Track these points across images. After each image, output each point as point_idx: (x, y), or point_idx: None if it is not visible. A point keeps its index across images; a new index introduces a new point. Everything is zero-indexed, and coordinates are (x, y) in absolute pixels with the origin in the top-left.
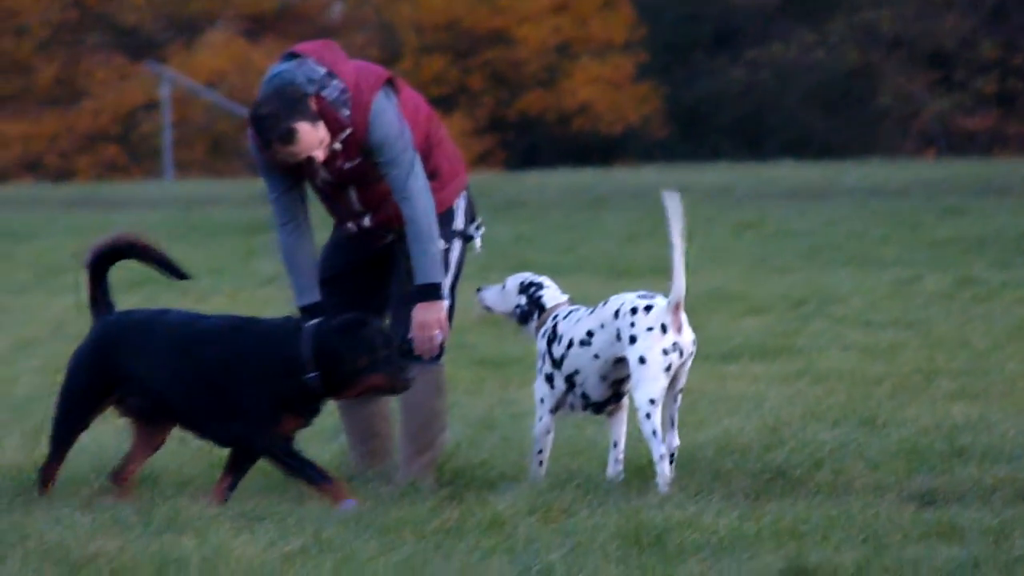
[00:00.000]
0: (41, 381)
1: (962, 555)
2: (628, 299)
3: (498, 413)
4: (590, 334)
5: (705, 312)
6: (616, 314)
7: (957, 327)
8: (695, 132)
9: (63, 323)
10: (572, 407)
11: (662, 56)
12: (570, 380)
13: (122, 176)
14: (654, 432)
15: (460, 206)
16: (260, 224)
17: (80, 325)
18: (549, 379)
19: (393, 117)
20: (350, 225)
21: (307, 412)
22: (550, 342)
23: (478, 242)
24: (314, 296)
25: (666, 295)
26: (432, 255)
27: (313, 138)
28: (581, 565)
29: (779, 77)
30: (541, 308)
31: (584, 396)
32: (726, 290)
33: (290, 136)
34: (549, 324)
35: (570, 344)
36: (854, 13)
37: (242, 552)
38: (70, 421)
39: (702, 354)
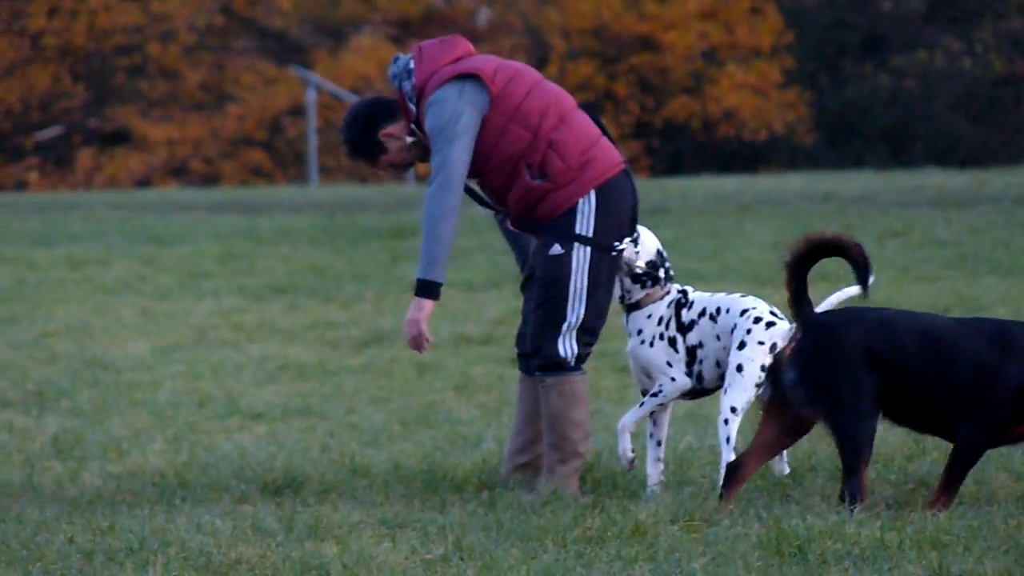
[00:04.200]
0: (183, 387)
1: None
2: (761, 307)
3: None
4: (718, 311)
5: None
6: (743, 312)
7: None
8: (841, 139)
9: (206, 329)
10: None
11: (808, 63)
12: (692, 352)
13: (267, 181)
14: (728, 439)
15: (585, 211)
16: (405, 229)
17: (222, 331)
18: (672, 343)
19: (444, 110)
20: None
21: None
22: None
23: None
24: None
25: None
26: (429, 252)
27: (373, 159)
28: (723, 574)
29: (925, 84)
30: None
31: (699, 375)
32: (871, 299)
33: (351, 156)
34: (675, 295)
35: (701, 313)
36: (1000, 21)
37: (384, 559)
38: (868, 423)
39: None
